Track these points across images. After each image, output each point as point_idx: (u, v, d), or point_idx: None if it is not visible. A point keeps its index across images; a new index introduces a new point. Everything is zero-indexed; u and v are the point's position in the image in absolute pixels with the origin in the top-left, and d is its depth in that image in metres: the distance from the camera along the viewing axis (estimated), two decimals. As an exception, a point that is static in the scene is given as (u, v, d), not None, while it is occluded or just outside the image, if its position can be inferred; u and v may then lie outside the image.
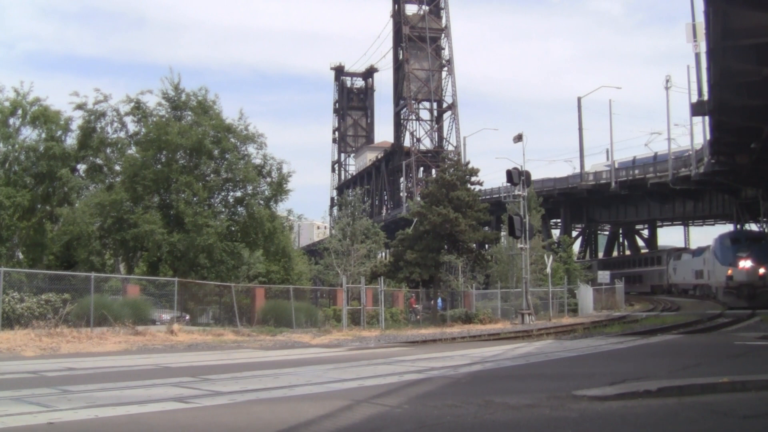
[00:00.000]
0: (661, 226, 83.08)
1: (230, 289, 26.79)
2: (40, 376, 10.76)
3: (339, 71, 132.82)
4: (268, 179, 33.70)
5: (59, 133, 36.31)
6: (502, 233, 49.73)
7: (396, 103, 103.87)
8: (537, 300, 39.15)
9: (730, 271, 36.72)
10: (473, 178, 40.59)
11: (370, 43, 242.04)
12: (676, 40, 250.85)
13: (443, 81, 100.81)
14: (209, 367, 12.53)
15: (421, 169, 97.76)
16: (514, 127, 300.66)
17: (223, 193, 33.71)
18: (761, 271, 35.81)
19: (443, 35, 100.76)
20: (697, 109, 27.40)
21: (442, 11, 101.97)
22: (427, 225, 36.35)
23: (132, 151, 33.78)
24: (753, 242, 38.43)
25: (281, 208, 35.49)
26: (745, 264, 36.15)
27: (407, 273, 36.78)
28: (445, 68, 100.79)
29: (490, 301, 40.04)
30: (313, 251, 78.64)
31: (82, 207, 31.46)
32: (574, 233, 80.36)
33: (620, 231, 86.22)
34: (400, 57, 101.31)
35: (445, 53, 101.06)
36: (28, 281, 22.91)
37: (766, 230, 46.39)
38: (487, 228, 49.27)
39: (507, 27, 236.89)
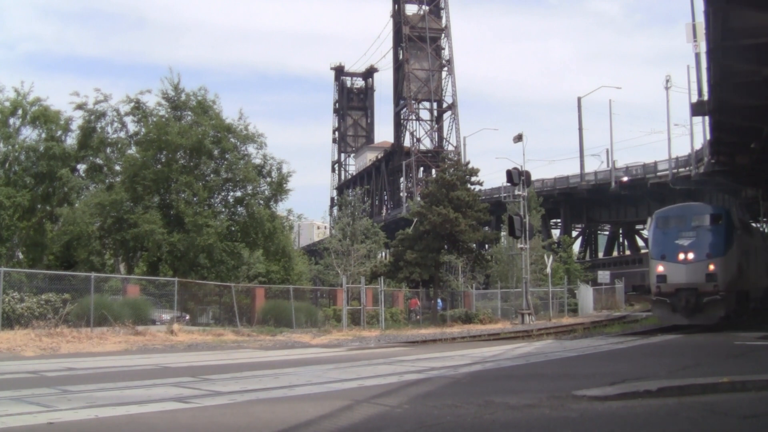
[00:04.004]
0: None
1: (230, 289, 26.81)
2: (40, 376, 10.75)
3: (339, 71, 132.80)
4: (268, 179, 33.76)
5: (59, 133, 36.38)
6: (502, 233, 49.78)
7: (396, 103, 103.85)
8: (537, 300, 39.18)
9: (660, 268, 23.63)
10: (473, 178, 40.53)
11: (370, 43, 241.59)
12: (675, 40, 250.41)
13: (443, 81, 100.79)
14: (209, 367, 12.53)
15: (421, 169, 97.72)
16: (514, 127, 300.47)
17: (223, 193, 33.79)
18: (711, 266, 22.75)
19: (443, 35, 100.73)
20: (697, 109, 27.36)
21: (442, 11, 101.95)
22: (427, 225, 36.30)
23: (132, 151, 33.84)
24: (703, 222, 24.42)
25: (281, 208, 35.62)
26: (687, 255, 23.27)
27: (407, 273, 36.72)
28: (445, 68, 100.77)
29: (490, 301, 40.07)
30: (313, 251, 78.61)
31: (82, 207, 31.50)
32: (574, 233, 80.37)
33: (620, 231, 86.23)
34: (400, 57, 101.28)
35: (445, 53, 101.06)
36: (28, 281, 22.95)
37: (764, 228, 42.63)
38: (487, 228, 49.25)
39: (507, 27, 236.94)
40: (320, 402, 7.72)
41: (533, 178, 43.74)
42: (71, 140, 36.43)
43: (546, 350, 16.16)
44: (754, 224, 43.18)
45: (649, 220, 26.18)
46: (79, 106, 34.54)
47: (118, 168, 34.04)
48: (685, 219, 24.64)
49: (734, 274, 23.46)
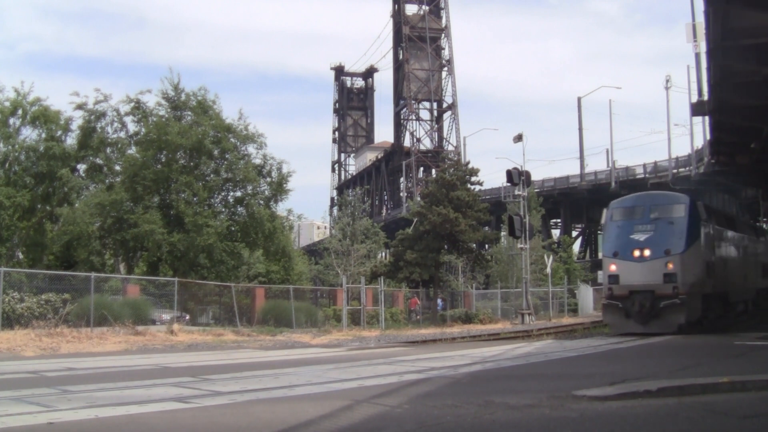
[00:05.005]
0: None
1: (230, 289, 26.82)
2: (40, 376, 10.76)
3: (339, 71, 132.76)
4: (268, 179, 33.81)
5: (59, 133, 36.41)
6: (502, 233, 49.80)
7: (396, 103, 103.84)
8: (537, 300, 39.21)
9: (612, 267, 20.65)
10: (473, 178, 40.55)
11: (370, 43, 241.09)
12: (675, 40, 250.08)
13: (443, 81, 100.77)
14: (209, 367, 12.53)
15: (421, 169, 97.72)
16: (514, 127, 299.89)
17: (223, 193, 33.83)
18: (670, 265, 19.66)
19: (443, 35, 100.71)
20: (697, 109, 27.34)
21: (442, 11, 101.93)
22: (427, 225, 36.32)
23: (132, 151, 33.87)
24: (664, 213, 20.86)
25: (281, 208, 35.66)
26: (642, 252, 20.11)
27: (407, 273, 36.75)
28: (445, 68, 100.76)
29: (490, 301, 40.11)
30: (313, 251, 78.62)
31: (82, 207, 31.52)
32: (574, 233, 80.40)
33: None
34: (400, 57, 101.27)
35: (445, 53, 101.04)
36: (28, 281, 22.96)
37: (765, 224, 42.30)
38: (487, 228, 49.29)
39: (507, 27, 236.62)
40: (320, 402, 7.72)
41: (533, 178, 43.75)
42: (71, 140, 36.51)
43: (546, 350, 16.16)
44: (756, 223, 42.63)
45: (604, 211, 22.60)
46: (79, 106, 34.60)
47: (118, 168, 34.06)
48: (643, 210, 21.15)
49: (700, 274, 20.38)
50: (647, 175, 58.40)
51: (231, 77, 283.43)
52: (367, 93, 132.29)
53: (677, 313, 19.29)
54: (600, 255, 21.84)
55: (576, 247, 77.52)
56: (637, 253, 20.27)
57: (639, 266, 20.13)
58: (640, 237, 20.38)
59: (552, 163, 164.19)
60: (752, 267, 26.90)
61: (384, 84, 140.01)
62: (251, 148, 33.49)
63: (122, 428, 6.41)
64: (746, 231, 27.95)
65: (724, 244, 23.36)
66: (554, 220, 75.25)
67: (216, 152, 32.01)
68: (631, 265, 20.26)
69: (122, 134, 35.04)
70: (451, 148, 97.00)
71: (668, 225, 20.37)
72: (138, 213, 29.49)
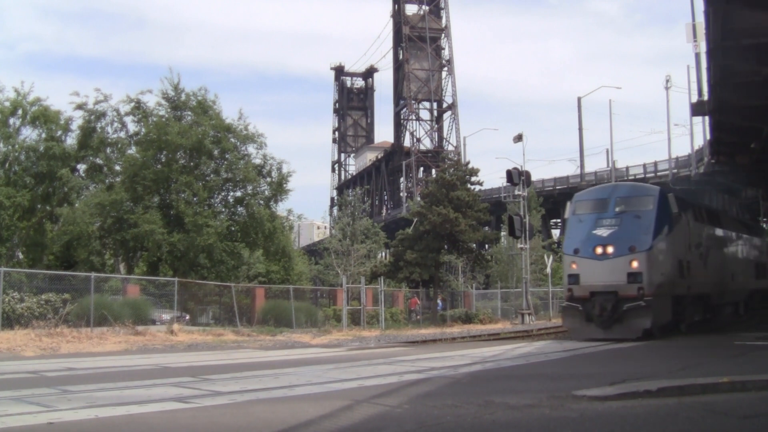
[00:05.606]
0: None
1: (230, 289, 26.84)
2: (40, 376, 10.76)
3: (339, 71, 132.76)
4: (268, 179, 33.83)
5: (59, 133, 36.45)
6: (502, 233, 49.83)
7: (396, 103, 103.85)
8: (537, 300, 39.23)
9: (573, 266, 18.85)
10: (473, 178, 40.57)
11: (370, 44, 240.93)
12: (675, 40, 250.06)
13: (443, 81, 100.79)
14: (209, 367, 12.53)
15: (421, 169, 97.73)
16: (514, 127, 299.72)
17: (223, 193, 33.86)
18: (634, 263, 17.85)
19: (443, 35, 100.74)
20: (697, 109, 27.29)
21: (442, 11, 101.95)
22: (427, 225, 36.33)
23: (132, 151, 33.89)
24: (630, 206, 18.98)
25: (281, 208, 35.69)
26: (605, 249, 18.21)
27: (407, 273, 36.76)
28: (445, 68, 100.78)
29: (490, 301, 40.13)
30: (313, 251, 78.65)
31: (82, 207, 31.54)
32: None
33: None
34: (400, 57, 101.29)
35: (445, 53, 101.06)
36: (28, 281, 22.98)
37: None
38: (487, 228, 49.30)
39: (507, 27, 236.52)
40: (320, 402, 7.72)
41: (533, 178, 43.80)
42: (71, 140, 36.55)
43: (546, 350, 16.16)
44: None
45: (567, 204, 20.68)
46: (79, 106, 34.63)
47: (118, 168, 34.09)
48: (608, 203, 19.07)
49: (670, 274, 18.58)
50: (647, 175, 58.43)
51: (231, 77, 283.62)
52: (367, 93, 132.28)
53: (642, 316, 17.55)
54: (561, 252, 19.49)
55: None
56: (599, 250, 18.38)
57: (601, 265, 18.23)
58: (604, 232, 18.55)
59: (552, 163, 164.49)
60: (743, 266, 25.48)
61: (384, 84, 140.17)
62: (251, 148, 33.59)
63: (122, 428, 6.41)
64: (735, 228, 26.28)
65: (705, 241, 21.63)
66: (554, 220, 75.16)
67: (216, 152, 32.04)
68: (592, 263, 18.39)
69: (122, 134, 35.12)
70: (451, 148, 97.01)
71: (634, 219, 18.53)
72: (138, 213, 29.51)
